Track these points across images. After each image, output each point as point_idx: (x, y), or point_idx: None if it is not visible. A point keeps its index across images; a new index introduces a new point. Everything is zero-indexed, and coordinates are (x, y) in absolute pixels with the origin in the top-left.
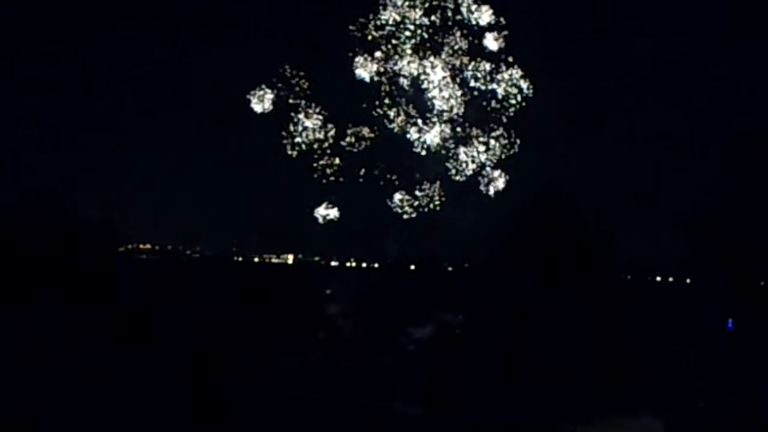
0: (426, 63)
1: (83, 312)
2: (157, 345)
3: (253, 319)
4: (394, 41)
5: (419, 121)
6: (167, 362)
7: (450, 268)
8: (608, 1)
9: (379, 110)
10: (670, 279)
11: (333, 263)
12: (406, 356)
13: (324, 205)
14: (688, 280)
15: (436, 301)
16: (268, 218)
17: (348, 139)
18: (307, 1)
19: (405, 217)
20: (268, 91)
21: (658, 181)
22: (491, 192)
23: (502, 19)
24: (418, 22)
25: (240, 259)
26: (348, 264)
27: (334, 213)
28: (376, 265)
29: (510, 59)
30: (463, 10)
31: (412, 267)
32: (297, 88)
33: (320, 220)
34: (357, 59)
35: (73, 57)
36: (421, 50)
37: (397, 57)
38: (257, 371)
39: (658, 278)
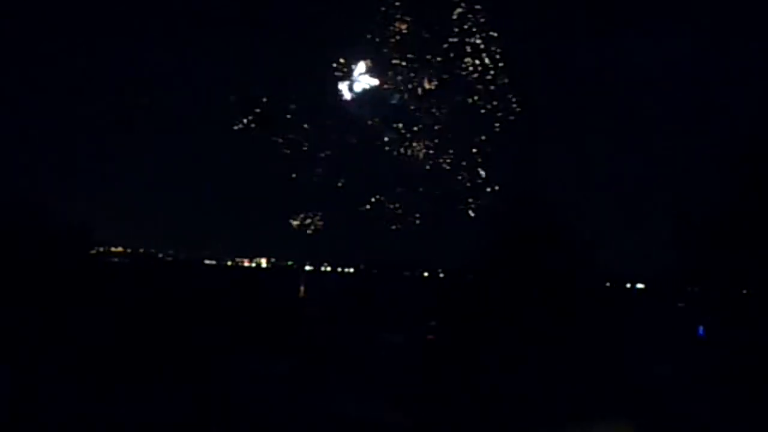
0: (412, 75)
1: (54, 316)
2: (128, 349)
3: (227, 323)
4: (384, 50)
5: (400, 127)
6: (141, 367)
7: (425, 274)
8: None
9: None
10: (643, 286)
11: (307, 267)
12: (381, 362)
13: (300, 218)
14: (663, 288)
15: (410, 308)
16: (242, 221)
17: (326, 152)
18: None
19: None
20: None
21: (644, 184)
22: (471, 210)
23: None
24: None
25: (213, 262)
26: (322, 269)
27: (316, 222)
28: (351, 270)
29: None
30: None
31: (386, 272)
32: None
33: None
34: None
35: (55, 59)
36: (407, 62)
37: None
38: (231, 376)
39: (638, 285)
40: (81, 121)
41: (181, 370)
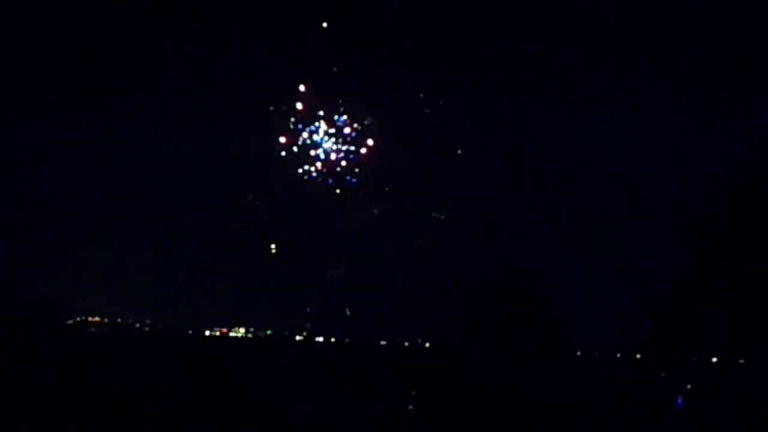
0: None
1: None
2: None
3: (205, 396)
4: None
5: None
6: None
7: (406, 344)
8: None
9: None
10: (618, 355)
11: (295, 337)
12: None
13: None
14: (638, 356)
15: (389, 378)
16: (221, 290)
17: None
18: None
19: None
20: None
21: (617, 250)
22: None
23: None
24: None
25: (190, 332)
26: (298, 338)
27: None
28: (333, 340)
29: None
30: None
31: (367, 343)
32: None
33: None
34: None
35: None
36: None
37: None
38: None
39: (613, 354)
40: (55, 188)
41: None
